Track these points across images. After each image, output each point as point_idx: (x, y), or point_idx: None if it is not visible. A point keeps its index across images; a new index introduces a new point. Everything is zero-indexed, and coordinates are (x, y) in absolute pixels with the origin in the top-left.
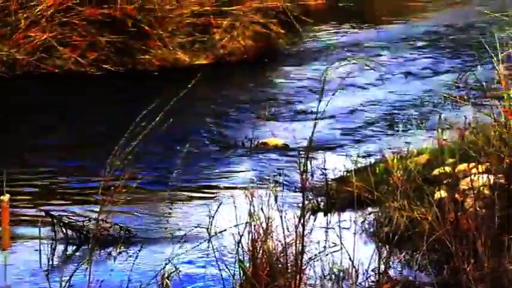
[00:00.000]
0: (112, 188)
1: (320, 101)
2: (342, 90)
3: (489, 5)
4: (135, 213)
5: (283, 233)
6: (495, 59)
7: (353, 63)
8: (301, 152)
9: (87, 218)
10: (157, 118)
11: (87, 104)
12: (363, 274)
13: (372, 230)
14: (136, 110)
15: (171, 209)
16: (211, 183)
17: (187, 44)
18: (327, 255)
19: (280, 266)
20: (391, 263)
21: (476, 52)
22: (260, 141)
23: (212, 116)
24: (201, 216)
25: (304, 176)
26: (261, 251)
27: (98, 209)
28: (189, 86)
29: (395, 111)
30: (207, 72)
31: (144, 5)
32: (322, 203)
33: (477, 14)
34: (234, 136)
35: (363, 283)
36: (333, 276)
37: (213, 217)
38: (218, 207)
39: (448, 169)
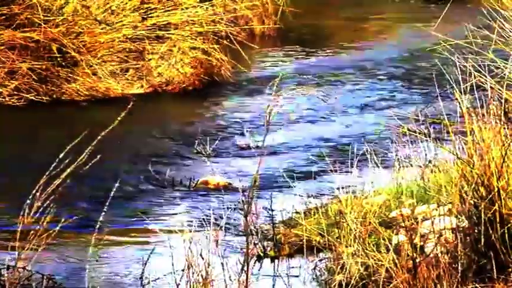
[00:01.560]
0: (32, 232)
1: (266, 135)
2: (291, 123)
3: (450, 31)
4: (59, 260)
5: (225, 281)
6: (457, 90)
7: (303, 94)
8: (245, 192)
9: (4, 266)
10: (85, 154)
11: (5, 138)
12: None
13: (323, 278)
14: (61, 145)
15: (99, 255)
16: (145, 226)
17: (119, 72)
18: None
19: None
20: None
21: (436, 82)
22: (200, 180)
23: (147, 152)
24: (133, 262)
25: (248, 218)
26: None
27: (16, 256)
28: (118, 118)
29: (350, 147)
30: (141, 102)
31: (71, 28)
32: (269, 248)
33: (437, 40)
34: (171, 174)
35: None
36: None
37: (146, 264)
38: (152, 252)
39: (406, 211)
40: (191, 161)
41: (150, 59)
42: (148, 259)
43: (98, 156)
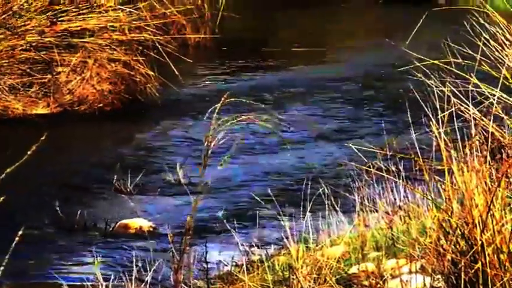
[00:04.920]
0: None
1: (204, 170)
2: (232, 156)
3: (424, 48)
4: None
5: None
6: (433, 120)
7: (248, 123)
8: (175, 239)
9: None
10: None
11: None
12: None
13: None
14: None
15: None
16: (50, 280)
17: (21, 87)
18: None
19: None
20: None
21: (408, 109)
22: (119, 223)
23: (54, 187)
24: None
25: (178, 273)
26: None
27: None
28: (29, 153)
29: (302, 186)
30: (47, 125)
31: None
32: None
33: (407, 58)
34: (84, 215)
35: None
36: None
37: None
38: None
39: (370, 266)
40: (108, 199)
41: (59, 73)
42: None
43: None
